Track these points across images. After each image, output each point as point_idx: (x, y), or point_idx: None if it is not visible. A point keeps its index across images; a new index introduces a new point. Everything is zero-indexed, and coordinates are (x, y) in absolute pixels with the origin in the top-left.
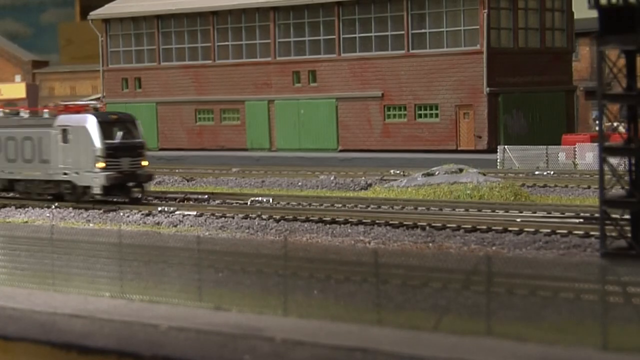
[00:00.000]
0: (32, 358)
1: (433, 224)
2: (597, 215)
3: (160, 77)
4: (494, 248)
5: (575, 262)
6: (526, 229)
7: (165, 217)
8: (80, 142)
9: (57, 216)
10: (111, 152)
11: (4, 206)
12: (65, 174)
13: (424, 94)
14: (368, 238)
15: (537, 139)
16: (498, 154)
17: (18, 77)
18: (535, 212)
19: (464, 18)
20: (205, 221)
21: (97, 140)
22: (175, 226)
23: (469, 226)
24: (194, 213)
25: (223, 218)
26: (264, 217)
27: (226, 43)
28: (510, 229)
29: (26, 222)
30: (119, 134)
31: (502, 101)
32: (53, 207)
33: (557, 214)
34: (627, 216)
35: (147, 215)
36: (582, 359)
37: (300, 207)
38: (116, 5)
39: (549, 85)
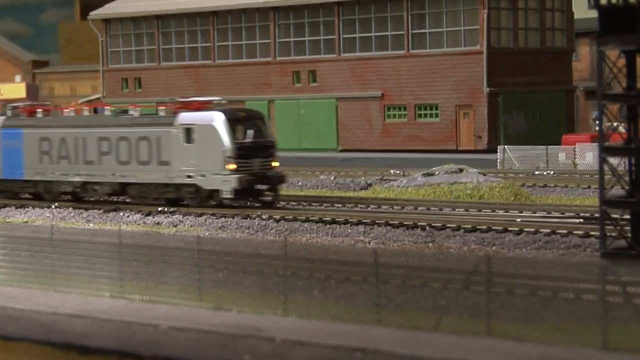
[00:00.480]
0: (32, 358)
1: (433, 224)
2: (597, 215)
3: (160, 77)
4: (494, 248)
5: (575, 262)
6: (526, 229)
7: (165, 217)
8: (207, 141)
9: (57, 216)
10: (242, 153)
11: (4, 206)
12: (189, 176)
13: (424, 94)
14: (368, 238)
15: (537, 139)
16: (498, 154)
17: (18, 77)
18: (535, 212)
19: (464, 18)
20: (205, 221)
21: (226, 140)
22: (175, 226)
23: (469, 226)
24: (194, 213)
25: (223, 218)
26: (264, 217)
27: (226, 43)
28: (510, 229)
29: (26, 222)
30: (249, 132)
31: (502, 101)
32: (53, 207)
33: (557, 214)
34: (627, 216)
35: (147, 215)
36: (582, 359)
37: (300, 207)
38: (116, 5)
39: (549, 85)
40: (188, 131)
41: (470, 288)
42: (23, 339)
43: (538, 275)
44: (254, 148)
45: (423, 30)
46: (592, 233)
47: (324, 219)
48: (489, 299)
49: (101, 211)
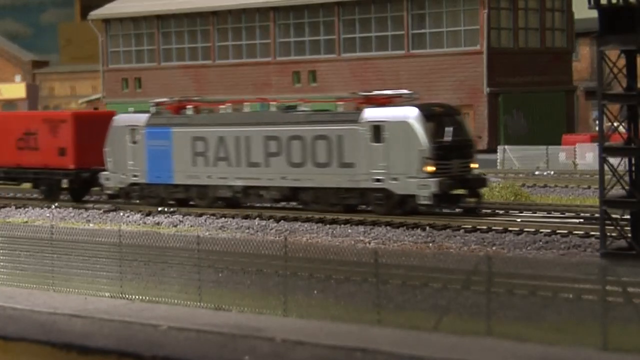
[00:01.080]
0: (32, 358)
1: (433, 224)
2: (597, 215)
3: (160, 77)
4: (494, 248)
5: (575, 262)
6: (526, 229)
7: (165, 217)
8: (400, 140)
9: (57, 216)
10: (441, 153)
11: (4, 206)
12: (377, 180)
13: (424, 94)
14: (368, 238)
15: (537, 139)
16: (498, 154)
17: (18, 77)
18: (535, 212)
19: (464, 18)
20: (205, 221)
21: (423, 138)
22: (175, 226)
23: (469, 226)
24: (194, 213)
25: (223, 218)
26: (264, 217)
27: (226, 43)
28: (510, 229)
29: (26, 222)
30: (448, 130)
31: (502, 101)
32: (53, 207)
33: (557, 214)
34: (627, 216)
35: (147, 215)
36: (582, 359)
37: (301, 207)
38: (116, 5)
39: (549, 85)
40: (377, 129)
41: (470, 288)
42: (23, 339)
43: (538, 275)
44: (453, 148)
45: (423, 30)
46: (592, 233)
47: (324, 219)
48: (489, 299)
49: (101, 211)
